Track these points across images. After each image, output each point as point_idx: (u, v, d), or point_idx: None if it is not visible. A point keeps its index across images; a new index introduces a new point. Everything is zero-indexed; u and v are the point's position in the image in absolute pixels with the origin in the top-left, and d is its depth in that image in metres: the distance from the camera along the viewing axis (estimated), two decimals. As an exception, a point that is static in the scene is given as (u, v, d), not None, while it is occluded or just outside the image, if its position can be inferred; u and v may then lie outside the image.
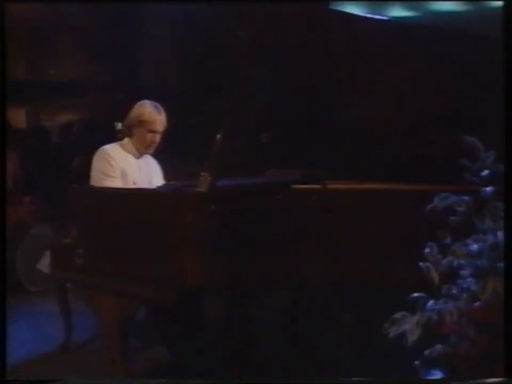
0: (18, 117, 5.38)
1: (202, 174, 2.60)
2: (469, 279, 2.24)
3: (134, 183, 3.27)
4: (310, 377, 2.78)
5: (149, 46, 5.64)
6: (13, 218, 4.51)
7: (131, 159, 3.33)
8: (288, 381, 2.76)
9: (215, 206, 2.58)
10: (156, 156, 3.46)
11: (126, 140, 3.37)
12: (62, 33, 5.42)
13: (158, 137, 3.33)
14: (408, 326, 2.19)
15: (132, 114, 3.34)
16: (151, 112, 3.28)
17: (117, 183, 3.20)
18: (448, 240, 2.28)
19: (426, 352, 2.19)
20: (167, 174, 3.53)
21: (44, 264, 4.56)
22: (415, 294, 2.25)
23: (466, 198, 2.29)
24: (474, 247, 2.26)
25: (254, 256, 2.71)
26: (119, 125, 3.76)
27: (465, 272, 2.25)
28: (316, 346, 3.16)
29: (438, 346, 2.19)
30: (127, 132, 3.36)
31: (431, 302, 2.22)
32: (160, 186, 2.99)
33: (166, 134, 3.36)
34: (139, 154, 3.37)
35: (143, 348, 3.36)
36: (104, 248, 2.76)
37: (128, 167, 3.28)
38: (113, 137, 4.76)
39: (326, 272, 2.81)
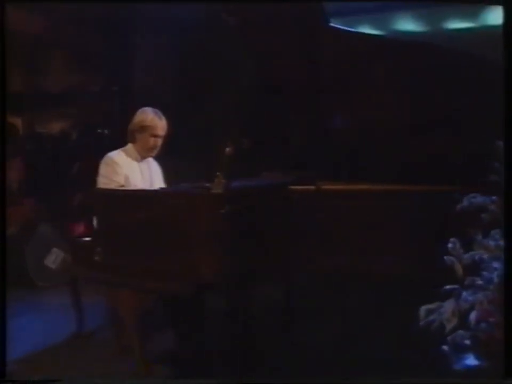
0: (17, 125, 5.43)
1: (217, 176, 2.76)
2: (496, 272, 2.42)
3: (136, 187, 3.41)
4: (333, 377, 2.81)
5: (141, 54, 5.70)
6: (20, 218, 4.66)
7: (133, 163, 3.49)
8: (311, 380, 2.84)
9: (230, 206, 2.73)
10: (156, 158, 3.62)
11: (129, 146, 3.53)
12: (55, 43, 5.46)
13: (159, 141, 3.51)
14: (444, 315, 2.35)
15: (134, 121, 3.51)
16: (153, 118, 3.46)
17: (121, 186, 3.35)
18: (478, 235, 2.44)
19: (460, 338, 2.35)
20: (167, 176, 3.67)
21: (51, 260, 4.76)
22: (448, 286, 2.40)
23: (494, 197, 2.48)
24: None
25: (267, 253, 2.86)
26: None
27: (493, 264, 2.43)
28: (346, 344, 3.21)
29: (471, 333, 2.35)
30: (130, 138, 3.52)
31: (464, 293, 2.38)
32: (176, 187, 3.17)
33: (167, 139, 3.51)
34: (141, 158, 3.53)
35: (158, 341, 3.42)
36: (123, 246, 2.91)
37: (131, 172, 3.44)
38: (110, 142, 4.89)
39: (349, 269, 2.92)
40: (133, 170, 3.47)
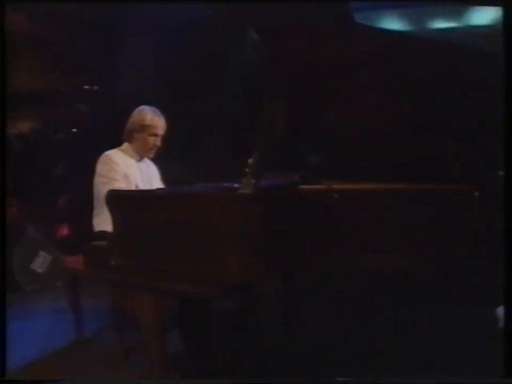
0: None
1: (245, 176, 2.71)
2: None
3: (137, 187, 3.34)
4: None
5: (127, 54, 5.64)
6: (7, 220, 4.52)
7: (132, 162, 3.40)
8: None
9: (260, 206, 2.67)
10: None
11: (126, 145, 3.44)
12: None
13: (159, 141, 3.42)
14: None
15: (132, 119, 3.42)
16: (153, 117, 3.38)
17: (121, 186, 3.25)
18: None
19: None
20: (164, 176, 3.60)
21: (38, 263, 4.64)
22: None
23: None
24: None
25: (296, 254, 2.78)
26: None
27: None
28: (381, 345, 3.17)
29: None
30: (128, 137, 3.43)
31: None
32: (199, 187, 3.04)
33: (166, 138, 3.44)
34: (140, 158, 3.44)
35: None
36: (145, 248, 2.80)
37: (130, 171, 3.35)
38: (95, 142, 4.81)
39: (383, 269, 2.87)
40: (132, 170, 3.38)
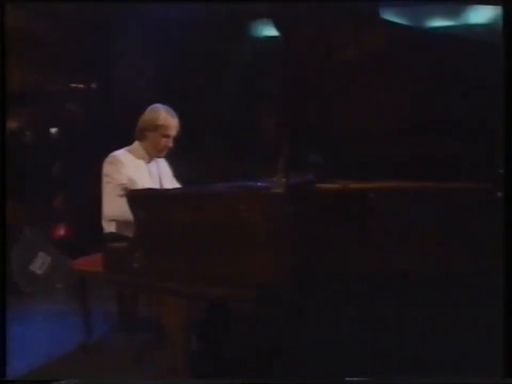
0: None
1: (276, 174, 2.64)
2: None
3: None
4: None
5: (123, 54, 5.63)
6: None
7: (141, 164, 3.33)
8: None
9: (291, 205, 2.62)
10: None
11: (136, 144, 3.35)
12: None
13: (171, 142, 3.33)
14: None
15: (145, 118, 3.33)
16: (166, 117, 3.29)
17: (124, 186, 3.18)
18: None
19: None
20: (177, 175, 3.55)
21: (37, 265, 4.60)
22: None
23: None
24: None
25: (330, 253, 2.72)
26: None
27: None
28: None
29: None
30: (139, 136, 3.34)
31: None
32: (225, 187, 2.97)
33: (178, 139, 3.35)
34: (150, 158, 3.36)
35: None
36: (170, 250, 2.71)
37: (138, 174, 3.27)
38: (92, 142, 4.80)
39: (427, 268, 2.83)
40: (140, 171, 3.30)
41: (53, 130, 5.58)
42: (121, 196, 3.12)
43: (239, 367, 3.02)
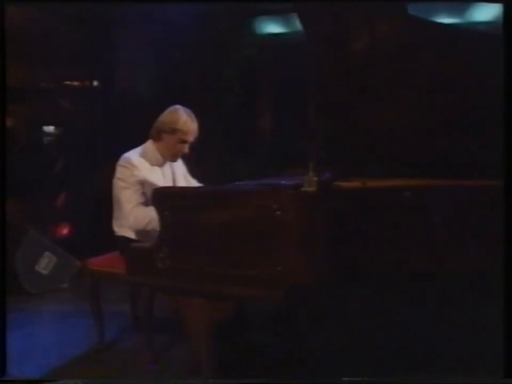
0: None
1: (308, 173, 2.59)
2: None
3: None
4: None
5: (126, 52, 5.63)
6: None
7: (155, 166, 3.22)
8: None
9: (324, 204, 2.58)
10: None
11: (150, 144, 3.23)
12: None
13: (187, 148, 3.20)
14: None
15: (163, 119, 3.18)
16: (186, 121, 3.14)
17: (140, 191, 3.10)
18: None
19: None
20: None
21: (42, 265, 4.59)
22: None
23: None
24: None
25: (362, 252, 2.68)
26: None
27: None
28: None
29: None
30: (155, 136, 3.20)
31: None
32: (253, 185, 2.91)
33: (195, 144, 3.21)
34: (163, 161, 3.24)
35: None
36: (196, 250, 2.63)
37: (152, 176, 3.17)
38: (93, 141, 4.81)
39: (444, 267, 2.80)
40: (154, 174, 3.19)
41: (56, 128, 5.60)
42: (143, 203, 3.08)
43: (263, 368, 3.02)
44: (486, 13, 4.23)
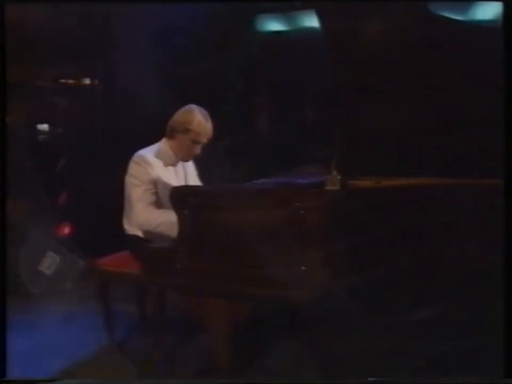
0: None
1: (331, 172, 2.60)
2: None
3: None
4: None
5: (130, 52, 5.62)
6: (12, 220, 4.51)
7: (168, 165, 3.22)
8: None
9: (349, 203, 2.59)
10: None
11: (164, 142, 3.22)
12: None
13: (199, 149, 3.19)
14: None
15: (177, 118, 3.17)
16: (200, 122, 3.12)
17: (152, 190, 3.10)
18: None
19: None
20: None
21: (46, 265, 4.58)
22: None
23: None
24: None
25: (388, 252, 2.67)
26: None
27: None
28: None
29: None
30: (168, 134, 3.20)
31: None
32: (273, 184, 2.92)
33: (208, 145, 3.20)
34: (177, 159, 3.24)
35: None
36: (215, 250, 2.63)
37: (165, 174, 3.17)
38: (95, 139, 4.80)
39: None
40: (167, 173, 3.19)
41: (57, 127, 5.60)
42: (154, 203, 3.08)
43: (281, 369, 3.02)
44: (486, 12, 4.19)
